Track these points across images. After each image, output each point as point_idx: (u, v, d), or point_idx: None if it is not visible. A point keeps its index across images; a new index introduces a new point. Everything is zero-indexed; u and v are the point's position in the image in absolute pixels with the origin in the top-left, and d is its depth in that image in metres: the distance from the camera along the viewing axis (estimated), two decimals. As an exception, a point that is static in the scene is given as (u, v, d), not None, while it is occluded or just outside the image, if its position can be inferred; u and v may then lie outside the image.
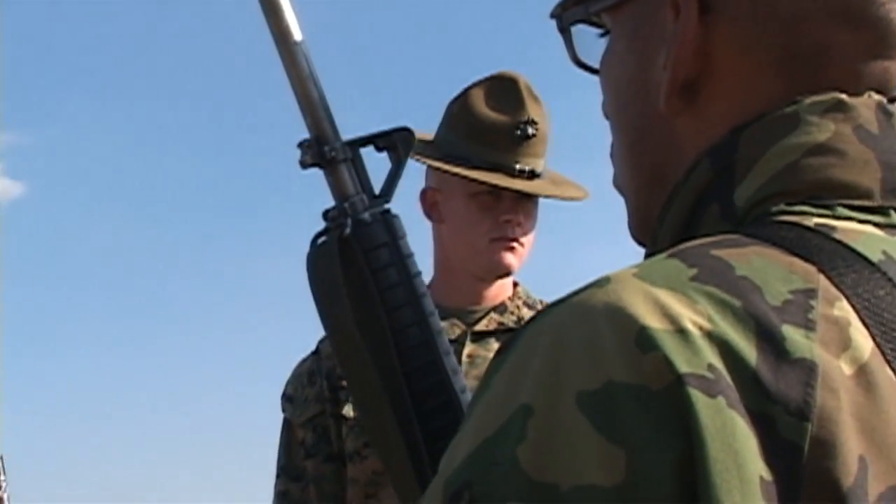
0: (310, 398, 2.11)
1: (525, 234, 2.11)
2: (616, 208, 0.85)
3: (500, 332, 2.13)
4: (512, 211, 2.08)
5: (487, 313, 2.15)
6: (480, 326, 2.14)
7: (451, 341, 2.07)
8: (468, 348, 2.11)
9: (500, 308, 2.17)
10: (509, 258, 2.09)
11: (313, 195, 1.12)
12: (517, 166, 2.06)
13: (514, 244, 2.09)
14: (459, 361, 2.05)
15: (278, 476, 2.14)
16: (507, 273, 2.12)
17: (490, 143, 2.06)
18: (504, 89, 2.10)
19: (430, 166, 2.11)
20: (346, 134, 1.12)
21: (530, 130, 2.07)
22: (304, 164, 1.11)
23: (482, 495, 0.57)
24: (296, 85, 1.10)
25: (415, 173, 2.19)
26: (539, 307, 2.19)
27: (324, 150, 1.10)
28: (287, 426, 2.15)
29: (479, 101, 2.10)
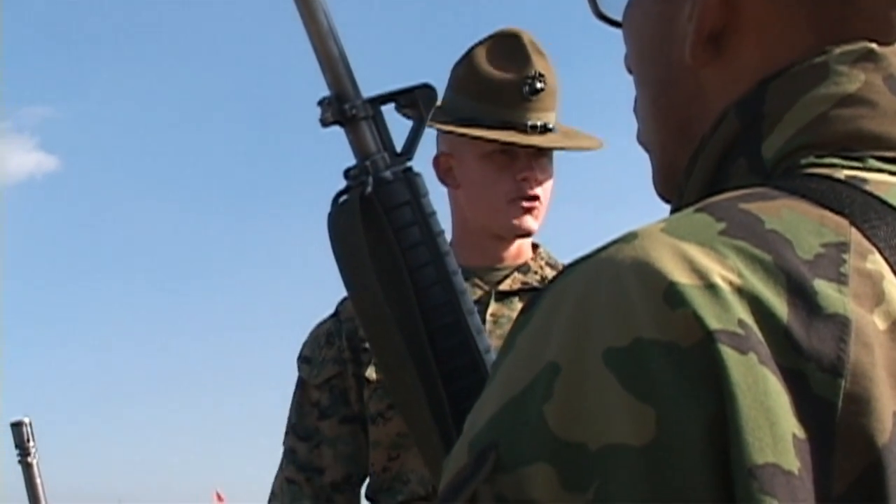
0: (327, 359, 2.11)
1: (542, 187, 2.10)
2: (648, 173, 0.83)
3: (524, 292, 2.13)
4: (528, 168, 2.07)
5: (511, 273, 2.15)
6: (504, 286, 2.13)
7: (475, 302, 2.08)
8: (492, 307, 2.10)
9: (524, 268, 2.16)
10: (528, 220, 2.08)
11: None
12: (528, 122, 2.05)
13: (533, 203, 2.08)
14: (483, 321, 2.05)
15: (287, 433, 2.14)
16: (528, 234, 2.12)
17: (499, 101, 2.05)
18: (508, 46, 2.08)
19: (440, 131, 2.10)
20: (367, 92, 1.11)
21: (538, 85, 2.05)
22: (324, 122, 1.10)
23: (508, 455, 0.56)
24: (315, 41, 1.09)
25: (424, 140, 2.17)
26: (561, 268, 2.18)
27: (344, 107, 1.09)
28: (301, 386, 2.14)
29: (483, 60, 2.08)
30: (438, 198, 2.14)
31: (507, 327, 2.03)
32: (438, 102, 2.11)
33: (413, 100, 1.13)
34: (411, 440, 1.99)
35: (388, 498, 2.05)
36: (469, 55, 2.11)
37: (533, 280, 2.14)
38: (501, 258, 2.15)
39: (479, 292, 2.11)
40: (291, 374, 2.18)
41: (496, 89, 2.05)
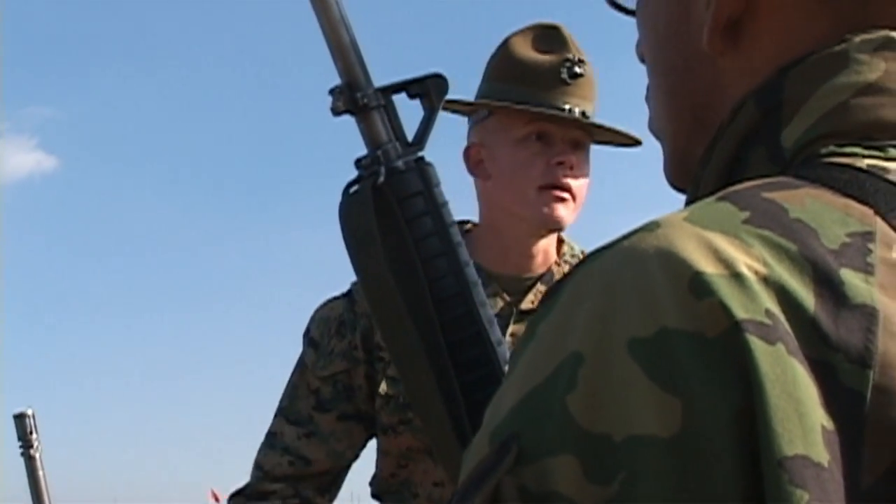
0: (336, 352, 2.00)
1: (577, 181, 1.97)
2: (657, 176, 0.83)
3: None
4: (563, 153, 1.95)
5: (534, 284, 2.03)
6: (526, 304, 2.01)
7: (496, 315, 1.98)
8: (512, 327, 1.98)
9: (547, 278, 2.03)
10: (560, 210, 1.96)
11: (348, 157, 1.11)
12: (567, 107, 1.94)
13: (566, 194, 1.96)
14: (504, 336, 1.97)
15: (276, 416, 2.04)
16: (559, 227, 1.99)
17: (537, 83, 1.95)
18: (547, 33, 2.00)
19: (474, 107, 2.00)
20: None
21: (578, 69, 1.95)
22: (335, 111, 1.10)
23: (531, 446, 0.55)
24: (327, 29, 1.08)
25: (449, 137, 2.09)
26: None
27: (356, 96, 1.08)
28: (302, 368, 2.03)
29: (521, 44, 1.99)
30: (467, 196, 2.07)
31: None
32: (460, 97, 2.06)
33: (424, 89, 1.13)
34: (420, 453, 1.97)
35: (395, 502, 2.01)
36: (505, 43, 2.01)
37: None
38: (529, 261, 2.04)
39: (500, 303, 2.00)
40: (289, 373, 2.07)
41: (534, 70, 1.95)
